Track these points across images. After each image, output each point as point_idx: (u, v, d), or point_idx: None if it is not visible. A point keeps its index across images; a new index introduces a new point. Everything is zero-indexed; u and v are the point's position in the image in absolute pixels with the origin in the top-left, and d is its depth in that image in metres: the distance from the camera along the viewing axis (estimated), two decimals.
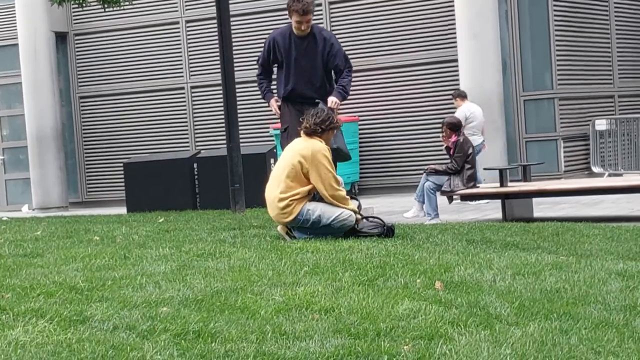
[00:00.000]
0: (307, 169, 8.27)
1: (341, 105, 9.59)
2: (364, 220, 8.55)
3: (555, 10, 18.12)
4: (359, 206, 8.75)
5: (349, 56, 9.98)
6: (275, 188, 8.39)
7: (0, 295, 5.70)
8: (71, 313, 5.18)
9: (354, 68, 10.09)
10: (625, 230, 9.55)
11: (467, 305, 5.45)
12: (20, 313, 5.20)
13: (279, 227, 8.51)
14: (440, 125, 13.51)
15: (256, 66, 9.89)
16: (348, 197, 8.50)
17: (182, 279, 6.13)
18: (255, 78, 9.90)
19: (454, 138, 12.93)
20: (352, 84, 9.68)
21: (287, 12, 9.37)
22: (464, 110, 15.68)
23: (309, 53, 9.38)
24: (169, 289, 5.81)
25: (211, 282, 6.00)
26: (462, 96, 16.15)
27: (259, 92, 10.04)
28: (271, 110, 9.82)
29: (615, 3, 19.54)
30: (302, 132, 8.48)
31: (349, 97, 9.92)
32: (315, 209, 8.28)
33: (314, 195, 8.44)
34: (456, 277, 6.17)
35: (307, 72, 9.41)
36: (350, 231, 8.33)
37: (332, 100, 9.28)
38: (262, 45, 9.77)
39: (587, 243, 8.56)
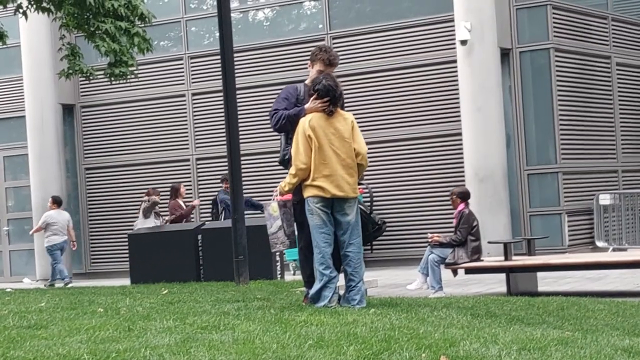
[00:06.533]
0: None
1: None
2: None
3: (558, 85, 18.25)
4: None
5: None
6: (343, 166, 8.37)
7: None
8: None
9: None
10: (631, 306, 9.53)
11: None
12: None
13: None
14: (449, 194, 13.55)
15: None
16: None
17: (186, 351, 6.10)
18: (275, 121, 8.75)
19: (461, 207, 12.94)
20: None
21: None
22: (45, 215, 18.73)
23: None
24: None
25: (215, 355, 5.97)
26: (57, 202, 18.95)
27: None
28: (276, 185, 9.56)
29: (618, 78, 19.70)
30: (329, 109, 8.34)
31: None
32: None
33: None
34: (461, 352, 6.13)
35: None
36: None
37: None
38: (269, 117, 9.61)
39: (592, 318, 8.53)
